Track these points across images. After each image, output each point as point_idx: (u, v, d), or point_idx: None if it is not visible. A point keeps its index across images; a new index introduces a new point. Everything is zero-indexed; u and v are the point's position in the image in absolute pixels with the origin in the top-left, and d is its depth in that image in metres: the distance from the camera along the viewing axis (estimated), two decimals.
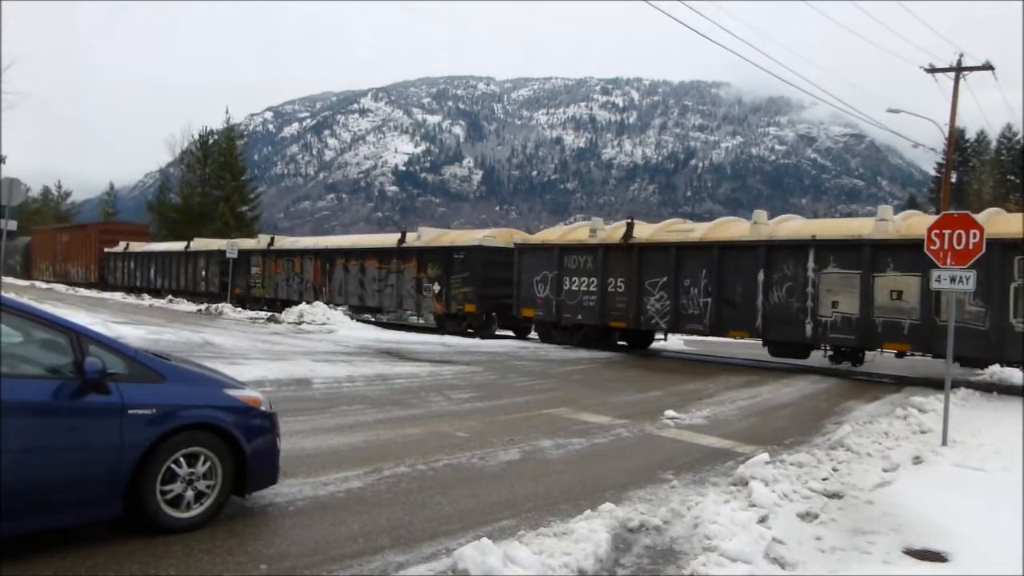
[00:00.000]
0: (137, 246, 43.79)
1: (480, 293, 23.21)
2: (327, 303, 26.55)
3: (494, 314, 23.90)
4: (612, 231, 21.04)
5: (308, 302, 27.25)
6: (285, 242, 33.53)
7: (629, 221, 20.79)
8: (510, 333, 25.09)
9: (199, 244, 37.98)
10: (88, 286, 43.93)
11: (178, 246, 39.83)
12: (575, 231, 22.98)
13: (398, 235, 26.96)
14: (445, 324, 24.51)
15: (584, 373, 15.68)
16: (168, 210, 58.19)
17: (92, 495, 4.74)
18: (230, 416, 5.33)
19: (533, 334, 23.99)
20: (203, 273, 36.06)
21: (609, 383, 14.31)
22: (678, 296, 18.91)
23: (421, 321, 29.62)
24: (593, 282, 20.55)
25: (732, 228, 19.51)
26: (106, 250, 44.92)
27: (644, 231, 20.35)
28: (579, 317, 21.02)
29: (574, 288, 21.13)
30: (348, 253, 28.27)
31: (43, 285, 45.04)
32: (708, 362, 19.29)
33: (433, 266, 24.52)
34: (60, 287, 43.39)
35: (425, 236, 25.60)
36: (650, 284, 19.45)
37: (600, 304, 20.33)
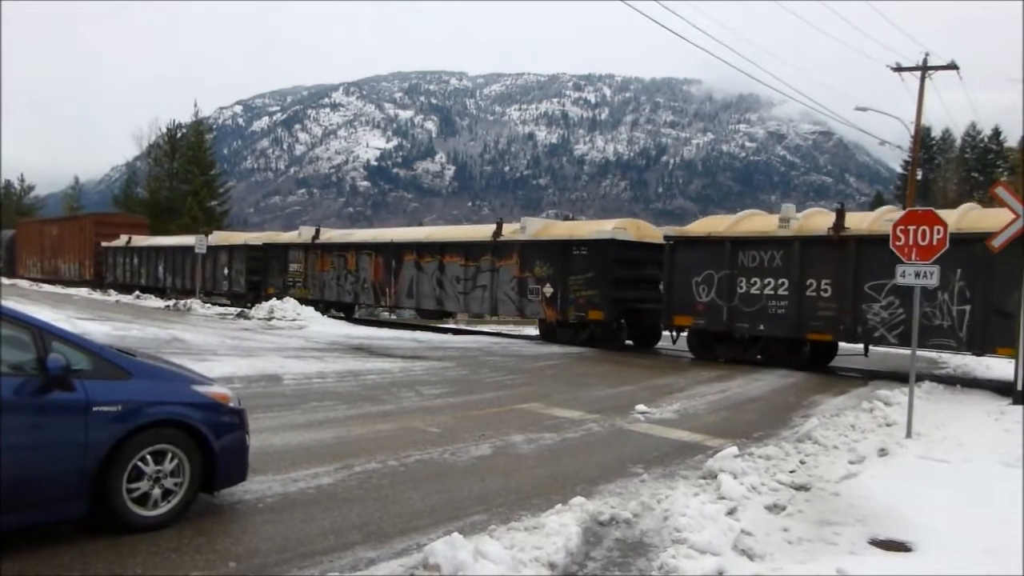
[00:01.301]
0: (141, 240, 39.70)
1: (610, 296, 19.33)
2: (392, 307, 24.79)
3: (623, 321, 20.54)
4: (808, 220, 17.25)
5: (367, 304, 25.67)
6: (333, 235, 29.36)
7: (839, 208, 16.93)
8: (629, 342, 21.53)
9: (220, 238, 33.93)
10: (82, 284, 39.90)
11: (192, 241, 34.78)
12: (750, 220, 18.57)
13: (489, 227, 23.28)
14: (555, 333, 20.95)
15: (556, 368, 15.71)
16: (135, 205, 57.31)
17: (56, 493, 4.66)
18: (198, 413, 5.27)
19: (675, 345, 19.99)
20: (226, 271, 32.21)
21: (581, 378, 14.36)
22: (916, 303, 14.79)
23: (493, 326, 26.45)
24: (783, 284, 16.51)
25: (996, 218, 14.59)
26: (103, 244, 40.76)
27: (859, 220, 16.39)
28: (760, 327, 16.98)
29: (753, 291, 17.03)
30: (422, 248, 24.08)
31: (25, 284, 41.31)
32: (679, 357, 19.41)
33: (542, 264, 20.67)
34: (48, 286, 39.37)
35: (531, 228, 21.60)
36: (872, 287, 15.34)
37: (795, 311, 16.29)
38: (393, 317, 27.65)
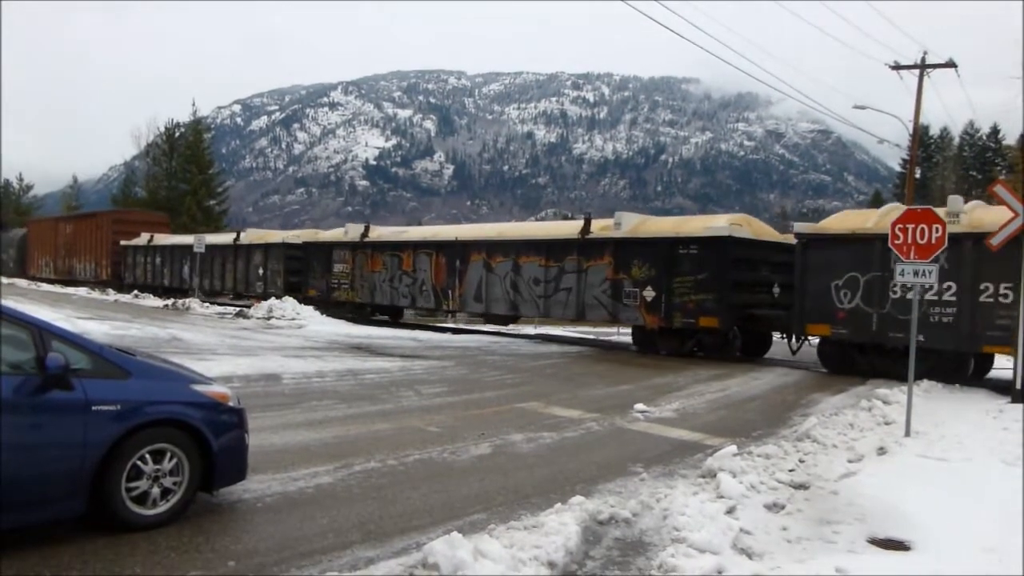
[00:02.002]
0: (164, 239, 37.45)
1: (727, 301, 17.14)
2: (455, 311, 23.29)
3: (736, 329, 18.39)
4: (979, 213, 15.00)
5: (425, 308, 24.06)
6: (384, 232, 27.24)
7: None
8: (690, 351, 18.67)
9: (254, 236, 31.78)
10: (99, 285, 38.00)
11: (223, 238, 33.70)
12: (898, 214, 14.95)
13: (574, 223, 21.50)
14: (655, 341, 18.72)
15: (555, 368, 15.72)
16: (133, 204, 57.26)
17: (56, 492, 4.66)
18: (197, 412, 5.27)
19: (795, 356, 17.37)
20: (260, 271, 29.84)
21: (580, 377, 14.36)
22: None
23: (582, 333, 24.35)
24: (949, 288, 14.27)
25: None
26: (122, 243, 38.66)
27: None
28: (921, 338, 13.77)
29: (910, 297, 14.51)
30: (494, 247, 21.90)
31: (24, 283, 40.32)
32: (677, 356, 19.40)
33: (642, 264, 18.40)
34: (47, 286, 38.11)
35: (627, 224, 19.21)
36: None
37: (966, 320, 14.08)
38: (457, 323, 25.60)
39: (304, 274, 28.08)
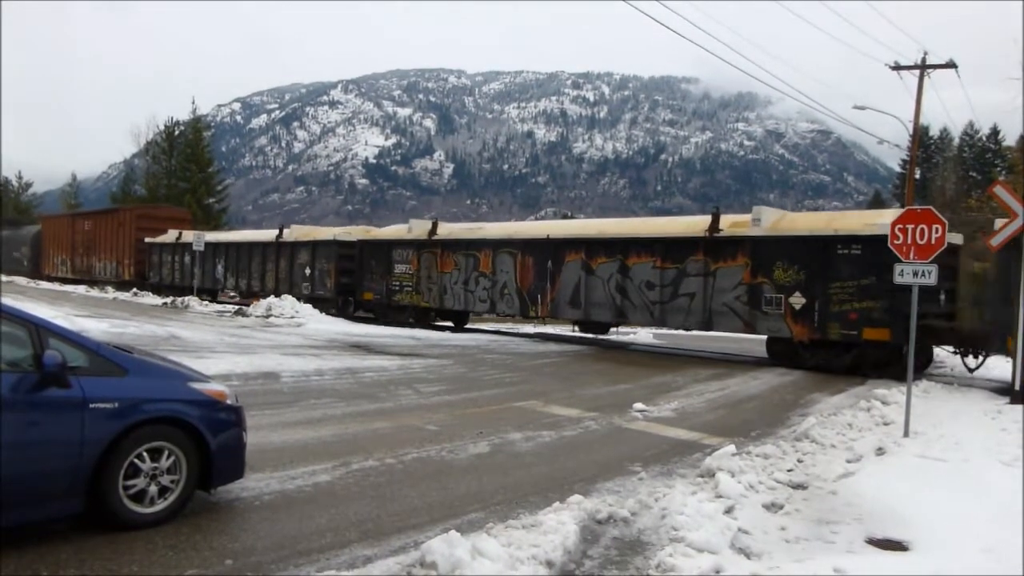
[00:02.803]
0: (194, 236, 34.40)
1: (901, 311, 14.01)
2: (545, 317, 21.37)
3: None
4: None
5: (507, 314, 22.04)
6: (456, 229, 24.91)
7: None
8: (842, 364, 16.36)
9: (299, 233, 29.23)
10: (121, 285, 35.76)
11: (263, 235, 31.38)
12: None
13: (697, 218, 19.03)
14: (798, 354, 16.35)
15: (554, 366, 15.71)
16: (133, 202, 57.23)
17: (53, 490, 4.66)
18: (195, 410, 5.26)
19: (972, 374, 15.86)
20: (307, 271, 27.46)
21: (578, 376, 14.36)
22: None
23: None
24: None
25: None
26: (147, 240, 36.23)
27: None
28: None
29: None
30: (595, 246, 19.65)
31: (23, 281, 39.29)
32: (677, 355, 19.41)
33: (787, 266, 16.24)
34: (79, 289, 35.18)
35: (767, 219, 16.83)
36: None
37: None
38: (545, 328, 23.38)
39: (358, 275, 25.94)
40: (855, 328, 15.35)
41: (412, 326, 23.24)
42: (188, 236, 34.08)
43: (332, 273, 26.40)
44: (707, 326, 17.76)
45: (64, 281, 40.10)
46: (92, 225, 40.38)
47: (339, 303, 26.30)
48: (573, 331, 22.07)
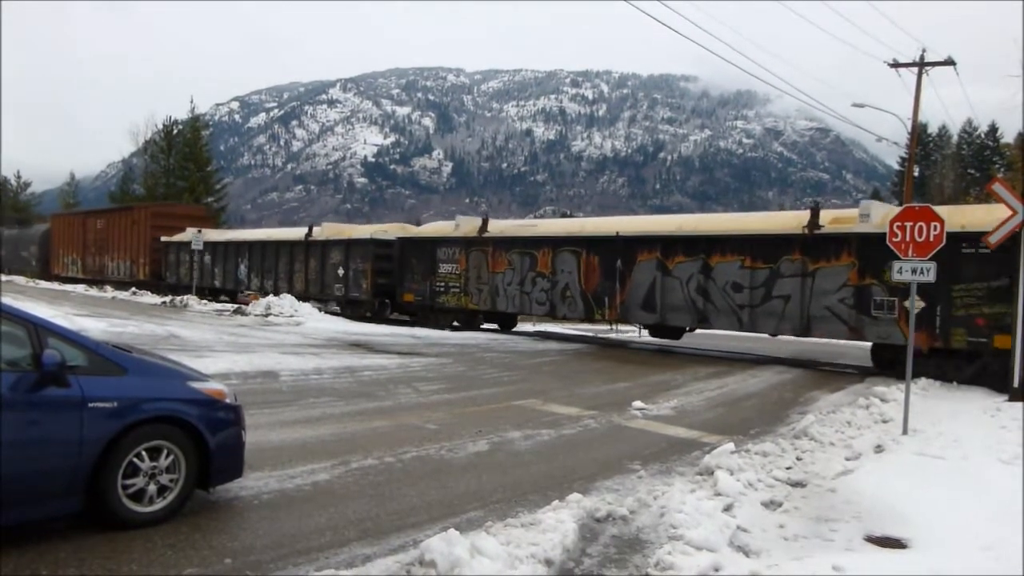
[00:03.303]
0: (216, 234, 33.88)
1: None
2: (612, 321, 19.76)
3: None
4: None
5: (569, 318, 20.70)
6: (508, 226, 23.09)
7: None
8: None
9: (331, 231, 27.50)
10: (135, 286, 33.94)
11: (291, 233, 29.86)
12: None
13: (792, 214, 17.86)
14: (937, 364, 14.37)
15: (553, 365, 15.72)
16: (131, 201, 57.18)
17: (52, 490, 4.66)
18: (194, 409, 5.26)
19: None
20: (340, 272, 25.86)
21: (578, 375, 14.36)
22: None
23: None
24: None
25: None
26: (163, 239, 34.78)
27: None
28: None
29: None
30: (672, 244, 18.09)
31: (22, 280, 38.42)
32: (676, 353, 19.42)
33: None
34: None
35: (876, 214, 15.26)
36: None
37: None
38: (618, 333, 21.21)
39: (398, 275, 24.38)
40: (984, 336, 13.86)
41: (457, 329, 22.24)
42: (209, 234, 32.84)
43: (368, 274, 24.78)
44: (804, 331, 16.13)
45: (75, 281, 38.81)
46: (105, 223, 38.89)
47: (375, 305, 24.89)
48: (639, 336, 20.45)
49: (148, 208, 38.10)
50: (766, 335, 17.30)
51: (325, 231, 27.31)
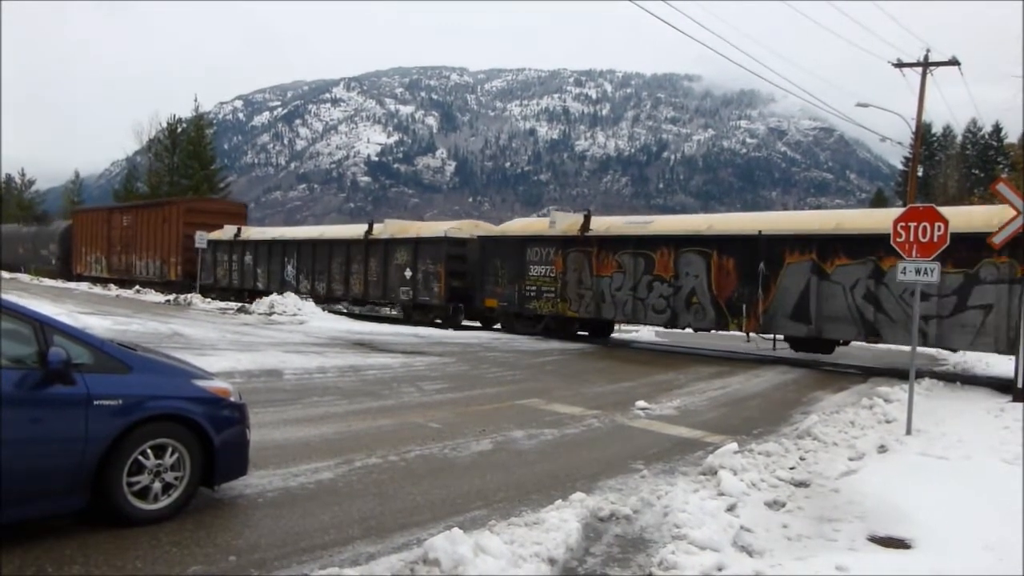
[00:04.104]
0: (258, 232, 31.94)
1: None
2: (750, 332, 17.22)
3: None
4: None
5: (697, 328, 18.28)
6: (615, 224, 20.34)
7: None
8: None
9: (396, 229, 25.20)
10: (165, 287, 32.11)
11: (347, 231, 27.82)
12: None
13: (989, 208, 15.55)
14: None
15: (556, 364, 15.72)
16: (135, 199, 57.27)
17: (57, 487, 4.67)
18: (198, 407, 5.28)
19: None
20: (406, 273, 23.88)
21: (581, 374, 14.37)
22: None
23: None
24: None
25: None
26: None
27: None
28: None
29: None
30: (832, 244, 15.92)
31: (27, 278, 37.01)
32: (679, 353, 19.41)
33: None
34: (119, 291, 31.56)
35: None
36: None
37: None
38: (764, 345, 17.83)
39: (477, 278, 22.44)
40: None
41: (547, 336, 20.65)
42: (251, 232, 31.29)
43: (441, 276, 22.73)
44: (1010, 348, 13.45)
45: (97, 281, 36.93)
46: (132, 219, 36.48)
47: (449, 311, 23.09)
48: (774, 349, 17.61)
49: (181, 203, 35.45)
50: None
51: (389, 228, 25.28)
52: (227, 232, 31.58)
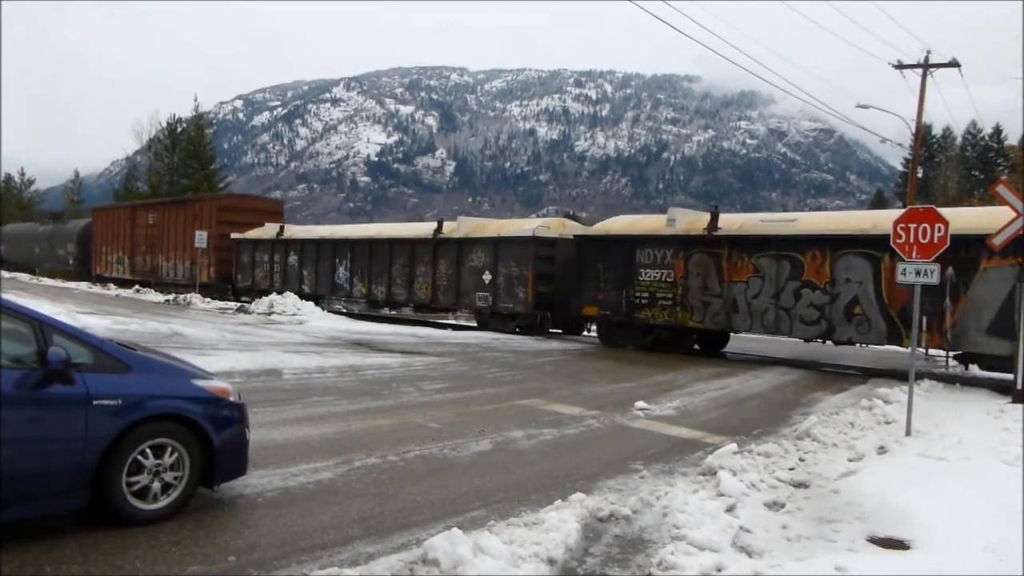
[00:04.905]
0: (303, 231, 29.64)
1: None
2: (931, 348, 15.22)
3: None
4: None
5: (861, 342, 16.00)
6: (749, 222, 17.82)
7: None
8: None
9: (471, 227, 22.93)
10: (195, 290, 29.41)
11: (412, 230, 25.69)
12: None
13: None
14: None
15: (556, 364, 15.72)
16: (135, 198, 57.22)
17: (57, 487, 4.67)
18: (198, 407, 5.27)
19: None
20: (485, 277, 21.64)
21: (580, 374, 14.36)
22: None
23: None
24: None
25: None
26: (233, 236, 30.30)
27: None
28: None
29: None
30: None
31: (25, 278, 35.97)
32: (678, 354, 19.39)
33: None
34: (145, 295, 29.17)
35: None
36: None
37: None
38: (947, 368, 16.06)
39: (566, 282, 20.37)
40: None
41: (655, 350, 18.36)
42: (295, 231, 29.20)
43: (528, 280, 20.46)
44: None
45: (120, 283, 34.68)
46: (158, 217, 34.22)
47: (537, 319, 20.94)
48: (966, 370, 15.68)
49: (213, 200, 33.36)
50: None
51: (463, 226, 22.88)
52: (268, 231, 29.21)
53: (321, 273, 27.07)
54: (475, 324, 23.51)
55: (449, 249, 22.80)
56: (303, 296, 26.34)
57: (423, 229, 24.61)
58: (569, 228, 22.02)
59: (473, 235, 22.41)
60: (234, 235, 30.34)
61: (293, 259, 28.14)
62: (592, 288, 19.40)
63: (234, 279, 30.12)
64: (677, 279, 17.89)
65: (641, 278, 18.53)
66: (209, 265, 30.92)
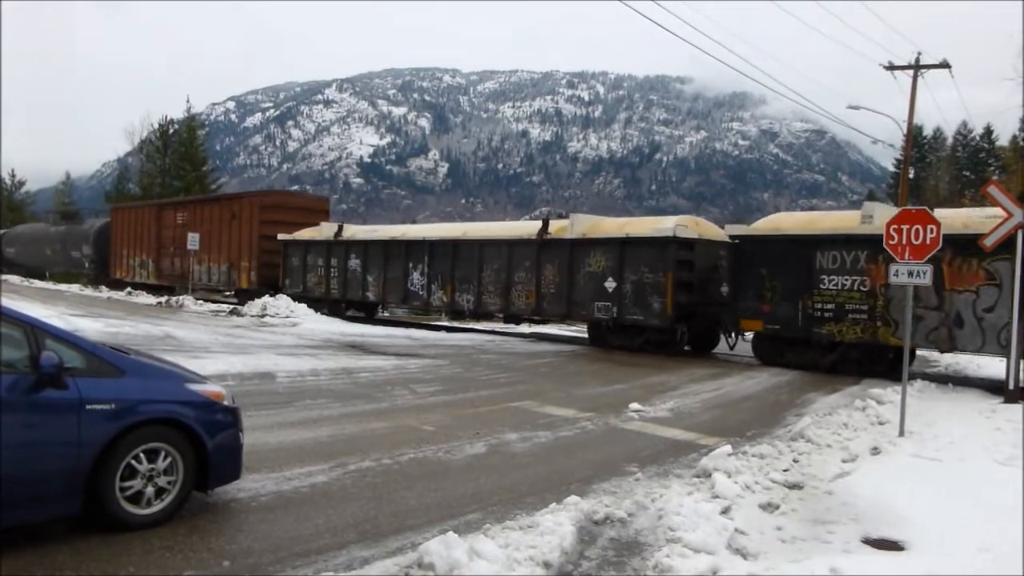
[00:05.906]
0: (367, 231, 26.43)
1: None
2: None
3: None
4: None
5: None
6: (966, 220, 14.30)
7: None
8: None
9: (587, 226, 19.97)
10: (235, 297, 27.86)
11: (509, 229, 22.81)
12: None
13: None
14: None
15: (550, 367, 15.71)
16: (127, 200, 57.01)
17: (49, 492, 4.64)
18: (191, 411, 5.25)
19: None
20: (608, 284, 18.72)
21: (574, 376, 14.36)
22: None
23: None
24: None
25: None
26: (280, 237, 26.88)
27: None
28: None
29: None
30: None
31: (16, 280, 34.11)
32: (672, 355, 19.41)
33: None
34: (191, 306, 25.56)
35: None
36: None
37: None
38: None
39: (712, 290, 18.28)
40: None
41: (836, 371, 15.58)
42: (355, 231, 26.17)
43: (667, 289, 17.63)
44: None
45: (142, 288, 31.44)
46: (188, 217, 30.80)
47: (677, 334, 18.03)
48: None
49: (255, 198, 29.80)
50: None
51: (577, 226, 19.83)
52: (324, 230, 26.10)
53: (390, 279, 23.95)
54: (587, 335, 20.62)
55: (558, 252, 19.84)
56: (366, 305, 25.09)
57: (522, 229, 21.91)
58: (703, 228, 19.47)
59: (591, 235, 19.42)
60: (281, 236, 27.00)
61: (354, 263, 24.97)
62: (752, 298, 16.67)
63: (281, 284, 26.86)
64: (873, 287, 15.05)
65: (823, 287, 15.68)
66: (250, 269, 27.73)
